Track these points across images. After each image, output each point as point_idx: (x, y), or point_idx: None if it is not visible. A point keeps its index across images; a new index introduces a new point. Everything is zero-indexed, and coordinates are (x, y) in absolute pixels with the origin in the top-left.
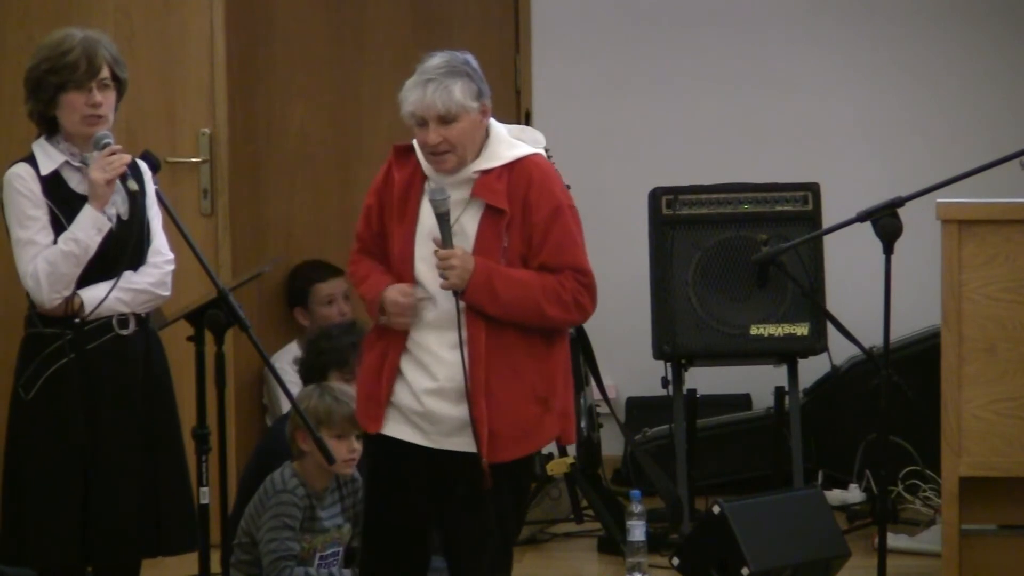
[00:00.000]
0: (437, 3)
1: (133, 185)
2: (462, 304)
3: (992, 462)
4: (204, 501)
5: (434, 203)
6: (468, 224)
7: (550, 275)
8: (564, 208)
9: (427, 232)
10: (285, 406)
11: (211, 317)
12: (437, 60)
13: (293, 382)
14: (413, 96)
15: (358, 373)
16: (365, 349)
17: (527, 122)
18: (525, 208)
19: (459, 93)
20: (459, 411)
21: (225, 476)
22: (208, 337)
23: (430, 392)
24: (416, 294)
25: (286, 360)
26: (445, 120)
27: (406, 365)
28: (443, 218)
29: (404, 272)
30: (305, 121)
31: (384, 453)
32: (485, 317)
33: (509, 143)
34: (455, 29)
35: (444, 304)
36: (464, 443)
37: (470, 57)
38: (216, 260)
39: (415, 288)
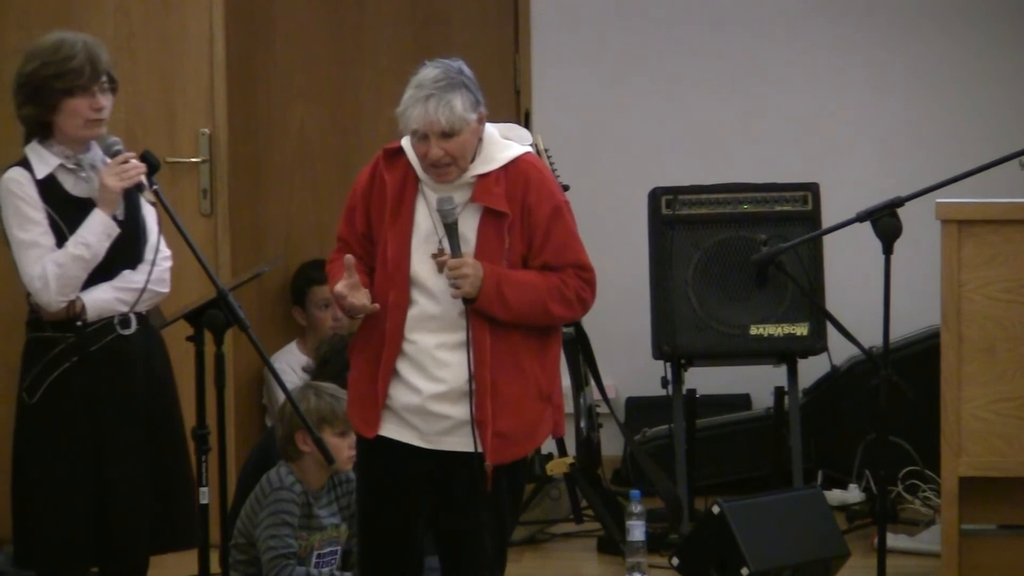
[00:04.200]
0: (437, 3)
1: (150, 196)
2: (467, 309)
3: (992, 462)
4: (204, 501)
5: (442, 213)
6: (467, 229)
7: (553, 274)
8: (562, 206)
9: (423, 235)
10: None
11: (211, 317)
12: (434, 72)
13: (293, 382)
14: (415, 113)
15: (349, 376)
16: (354, 353)
17: (527, 122)
18: (525, 209)
19: (460, 107)
20: (457, 410)
21: (225, 476)
22: (208, 337)
23: (434, 396)
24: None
25: (286, 360)
26: (447, 135)
27: (403, 367)
28: (451, 228)
29: (399, 274)
30: (305, 121)
31: (380, 456)
32: (489, 319)
33: (501, 144)
34: (455, 29)
35: (444, 306)
36: (462, 442)
37: (464, 65)
38: (216, 260)
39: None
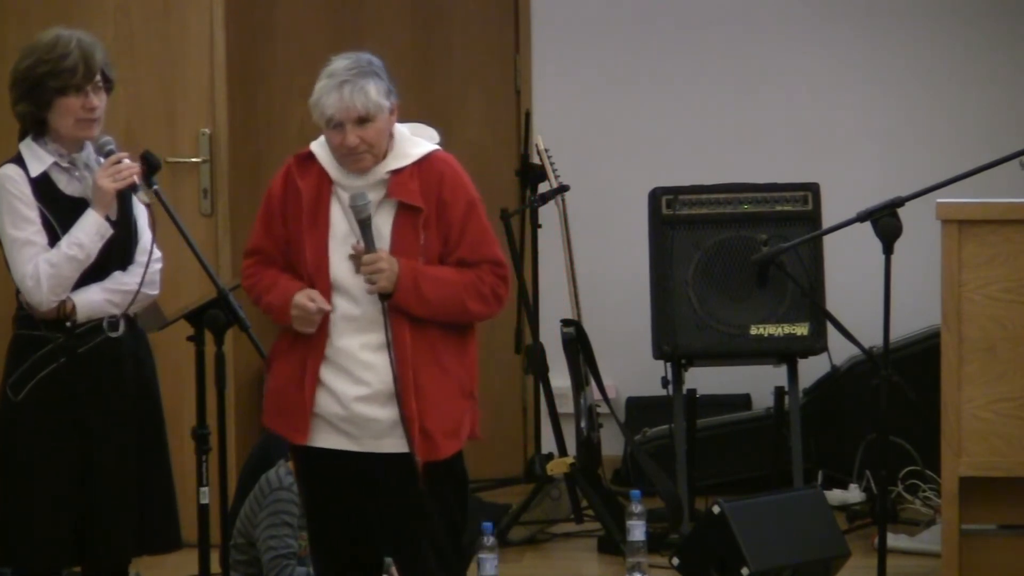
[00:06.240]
0: (437, 3)
1: (144, 198)
2: (385, 306)
3: (992, 462)
4: (204, 501)
5: (355, 209)
6: (382, 225)
7: (468, 270)
8: (476, 202)
9: (341, 237)
10: None
11: (211, 317)
12: (345, 62)
13: None
14: (331, 100)
15: (269, 383)
16: (274, 358)
17: (527, 122)
18: (440, 205)
19: (375, 92)
20: (387, 412)
21: (225, 476)
22: (208, 337)
23: (360, 399)
24: (319, 303)
25: None
26: (363, 120)
27: (327, 373)
28: (365, 224)
29: (319, 278)
30: (305, 121)
31: (314, 464)
32: (408, 317)
33: (412, 141)
34: (455, 29)
35: (364, 307)
36: (395, 444)
37: (374, 58)
38: (216, 260)
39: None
